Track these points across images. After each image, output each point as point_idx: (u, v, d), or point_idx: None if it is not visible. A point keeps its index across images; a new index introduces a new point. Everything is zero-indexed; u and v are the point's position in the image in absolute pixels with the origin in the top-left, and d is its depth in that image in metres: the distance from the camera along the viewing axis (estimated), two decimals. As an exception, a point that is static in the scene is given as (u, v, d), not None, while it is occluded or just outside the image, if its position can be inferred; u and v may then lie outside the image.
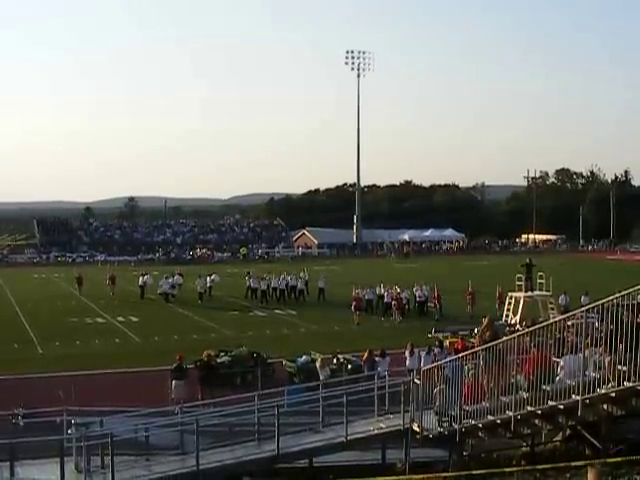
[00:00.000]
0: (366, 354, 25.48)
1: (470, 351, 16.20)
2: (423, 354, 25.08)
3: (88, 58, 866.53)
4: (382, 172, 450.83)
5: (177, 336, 36.65)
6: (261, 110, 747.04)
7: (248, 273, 53.27)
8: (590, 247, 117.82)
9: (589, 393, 11.83)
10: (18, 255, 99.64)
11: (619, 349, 11.33)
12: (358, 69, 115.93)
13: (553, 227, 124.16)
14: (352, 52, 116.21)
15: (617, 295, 11.66)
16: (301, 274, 52.96)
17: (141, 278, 53.34)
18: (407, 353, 25.56)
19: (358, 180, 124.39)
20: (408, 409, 16.72)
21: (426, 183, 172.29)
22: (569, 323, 13.95)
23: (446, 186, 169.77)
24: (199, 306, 48.33)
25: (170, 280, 52.54)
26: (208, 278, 53.31)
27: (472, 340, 26.16)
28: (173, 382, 23.05)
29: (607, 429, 13.18)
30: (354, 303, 42.27)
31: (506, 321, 37.54)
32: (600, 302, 12.08)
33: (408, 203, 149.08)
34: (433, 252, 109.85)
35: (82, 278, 54.23)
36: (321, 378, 23.56)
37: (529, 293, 39.53)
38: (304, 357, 27.51)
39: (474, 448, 16.29)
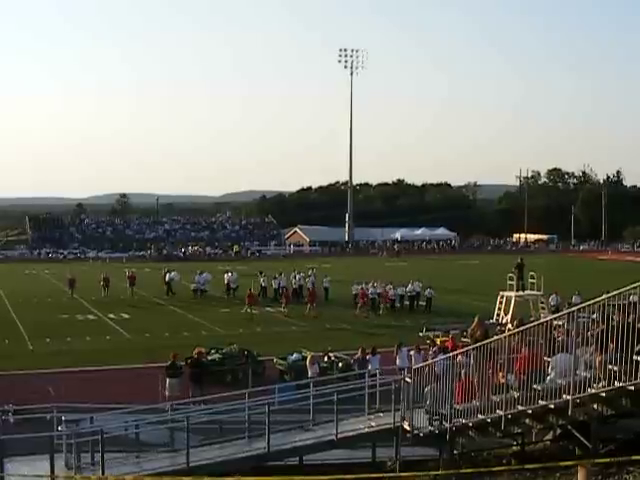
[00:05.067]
0: (358, 352, 25.55)
1: (461, 350, 16.20)
2: (413, 352, 25.18)
3: (86, 56, 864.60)
4: (374, 170, 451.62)
5: (168, 333, 36.65)
6: (253, 109, 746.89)
7: (261, 272, 53.11)
8: (581, 247, 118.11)
9: (580, 393, 11.83)
10: (9, 251, 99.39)
11: (610, 349, 11.34)
12: (351, 67, 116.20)
13: (545, 227, 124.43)
14: (345, 50, 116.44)
15: (608, 295, 11.67)
16: (309, 272, 53.30)
17: (168, 275, 53.48)
18: (397, 352, 25.65)
19: (350, 178, 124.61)
20: (399, 407, 16.72)
21: (418, 182, 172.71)
22: (559, 323, 13.96)
23: (438, 185, 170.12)
24: (190, 303, 48.30)
25: (203, 276, 52.85)
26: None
27: (464, 339, 26.20)
28: (167, 380, 23.04)
29: (597, 429, 13.20)
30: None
31: (497, 320, 37.62)
32: (591, 302, 12.10)
33: (400, 201, 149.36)
34: (425, 251, 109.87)
35: (75, 280, 52.54)
36: (309, 375, 23.61)
37: (520, 293, 39.60)
38: (295, 355, 27.56)
39: (465, 447, 16.31)
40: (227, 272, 53.77)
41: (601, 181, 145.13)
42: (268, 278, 51.40)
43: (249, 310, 42.89)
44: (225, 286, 51.81)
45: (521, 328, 14.50)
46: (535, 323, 14.36)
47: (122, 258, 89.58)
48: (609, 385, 11.32)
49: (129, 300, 49.66)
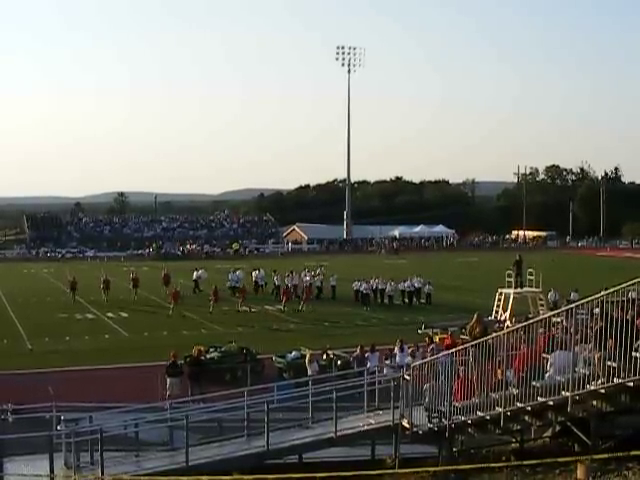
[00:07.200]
0: (357, 350, 25.57)
1: (460, 347, 16.19)
2: (412, 350, 25.13)
3: (85, 54, 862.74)
4: (372, 168, 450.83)
5: (166, 332, 36.62)
6: (250, 107, 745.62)
7: (275, 271, 53.30)
8: (580, 243, 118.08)
9: (579, 389, 11.83)
10: (7, 250, 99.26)
11: (609, 345, 11.34)
12: (349, 65, 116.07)
13: (543, 223, 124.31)
14: (342, 47, 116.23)
15: (607, 292, 11.67)
16: (317, 271, 53.85)
17: (195, 272, 54.30)
18: (397, 349, 25.62)
19: (348, 176, 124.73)
20: (398, 405, 16.71)
21: (416, 179, 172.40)
22: (557, 319, 13.95)
23: (436, 182, 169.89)
24: (189, 302, 48.20)
25: (237, 274, 53.36)
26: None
27: (463, 336, 26.20)
28: (168, 379, 23.04)
29: (596, 425, 13.19)
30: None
31: (496, 317, 37.61)
32: (589, 299, 12.10)
33: (398, 199, 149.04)
34: (423, 248, 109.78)
35: (76, 282, 50.88)
36: (309, 373, 23.62)
37: (519, 289, 39.58)
38: (294, 353, 27.57)
39: (464, 444, 16.31)
40: (255, 270, 54.88)
41: (599, 178, 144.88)
42: (281, 276, 51.60)
43: (174, 309, 43.26)
44: (254, 284, 52.72)
45: (520, 325, 14.51)
46: (534, 320, 14.36)
47: (120, 257, 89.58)
48: (608, 382, 11.32)
49: (128, 300, 49.47)
